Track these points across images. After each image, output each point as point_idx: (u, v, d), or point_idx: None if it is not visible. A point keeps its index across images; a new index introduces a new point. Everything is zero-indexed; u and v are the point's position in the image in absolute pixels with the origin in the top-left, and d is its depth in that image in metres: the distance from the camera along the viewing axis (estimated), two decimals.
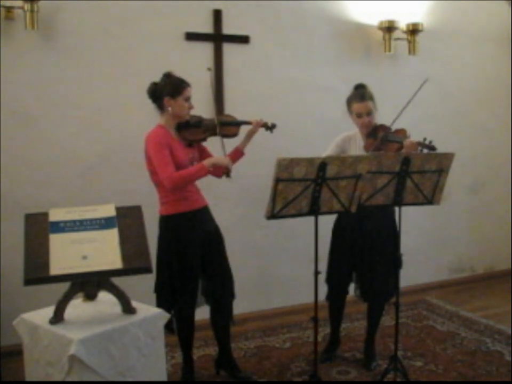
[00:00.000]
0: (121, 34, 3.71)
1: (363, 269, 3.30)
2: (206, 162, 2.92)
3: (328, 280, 3.40)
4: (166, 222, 3.01)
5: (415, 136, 3.12)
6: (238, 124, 3.17)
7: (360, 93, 3.25)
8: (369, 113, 3.21)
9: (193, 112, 3.04)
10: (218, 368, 3.31)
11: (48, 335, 2.29)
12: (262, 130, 3.20)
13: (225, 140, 3.09)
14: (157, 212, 3.05)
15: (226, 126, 3.13)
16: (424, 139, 3.00)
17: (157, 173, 2.88)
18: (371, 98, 3.24)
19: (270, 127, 3.20)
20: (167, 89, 2.93)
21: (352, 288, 3.46)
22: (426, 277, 4.93)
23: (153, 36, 3.79)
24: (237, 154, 3.16)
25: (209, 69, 3.36)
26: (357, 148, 3.28)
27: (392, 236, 3.25)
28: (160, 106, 2.99)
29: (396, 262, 3.18)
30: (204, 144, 3.17)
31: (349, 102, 3.28)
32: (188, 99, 2.97)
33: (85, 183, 3.68)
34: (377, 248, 3.25)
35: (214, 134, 3.09)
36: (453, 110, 4.91)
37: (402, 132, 3.18)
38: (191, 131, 3.04)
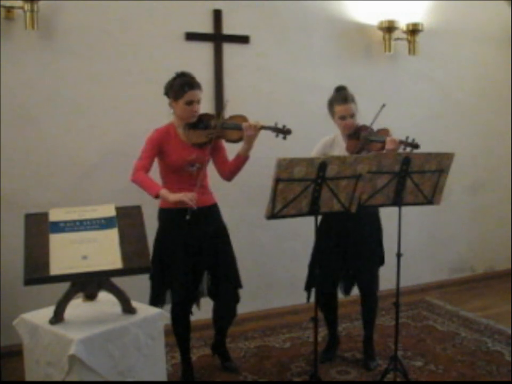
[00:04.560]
0: (121, 35, 3.71)
1: (348, 265, 3.30)
2: (163, 191, 2.83)
3: (311, 283, 3.30)
4: (161, 215, 3.07)
5: (414, 136, 3.12)
6: (238, 127, 2.97)
7: (343, 95, 3.23)
8: (352, 115, 3.21)
9: None
10: (214, 352, 3.38)
11: (48, 335, 2.29)
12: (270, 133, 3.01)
13: (228, 142, 3.07)
14: (156, 212, 3.07)
15: (229, 130, 3.00)
16: (407, 137, 3.02)
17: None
18: (353, 100, 3.23)
19: (284, 132, 2.91)
20: (170, 91, 2.96)
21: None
22: (426, 277, 4.92)
23: (153, 36, 3.79)
24: (238, 160, 3.04)
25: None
26: (340, 149, 3.28)
27: (376, 232, 3.31)
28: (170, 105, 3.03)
29: (379, 259, 3.32)
30: (224, 144, 3.11)
31: (331, 104, 3.27)
32: (190, 103, 2.92)
33: (85, 183, 3.68)
34: (361, 244, 3.25)
35: (218, 137, 3.00)
36: (453, 110, 4.90)
37: (384, 132, 3.19)
38: (196, 133, 2.99)
